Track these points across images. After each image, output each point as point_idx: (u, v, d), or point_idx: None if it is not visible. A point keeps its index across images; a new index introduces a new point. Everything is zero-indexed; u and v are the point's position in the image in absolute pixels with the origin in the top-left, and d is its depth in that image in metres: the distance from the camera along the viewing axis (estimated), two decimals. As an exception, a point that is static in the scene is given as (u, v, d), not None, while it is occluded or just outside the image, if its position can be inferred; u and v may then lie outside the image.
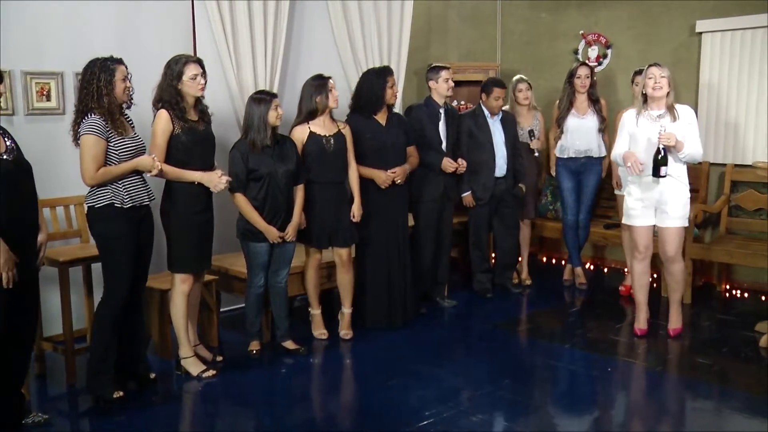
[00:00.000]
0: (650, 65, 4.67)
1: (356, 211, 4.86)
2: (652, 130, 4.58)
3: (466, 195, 5.76)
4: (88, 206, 3.87)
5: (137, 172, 3.92)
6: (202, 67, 4.18)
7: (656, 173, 4.53)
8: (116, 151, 3.81)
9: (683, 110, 4.69)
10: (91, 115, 3.76)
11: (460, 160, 5.48)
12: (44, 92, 4.55)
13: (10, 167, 3.39)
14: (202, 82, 4.17)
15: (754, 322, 5.09)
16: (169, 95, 4.09)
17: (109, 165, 3.80)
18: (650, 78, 4.61)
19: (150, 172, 3.90)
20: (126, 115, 4.01)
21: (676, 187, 4.66)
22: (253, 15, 5.28)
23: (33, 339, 3.75)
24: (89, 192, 3.85)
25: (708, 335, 5.08)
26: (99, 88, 3.77)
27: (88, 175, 3.76)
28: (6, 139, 3.47)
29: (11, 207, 3.37)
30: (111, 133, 3.79)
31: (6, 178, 3.34)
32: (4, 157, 3.38)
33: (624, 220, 4.99)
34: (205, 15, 5.12)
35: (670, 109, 4.64)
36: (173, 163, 4.08)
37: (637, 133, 4.68)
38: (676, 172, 4.63)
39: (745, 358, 4.62)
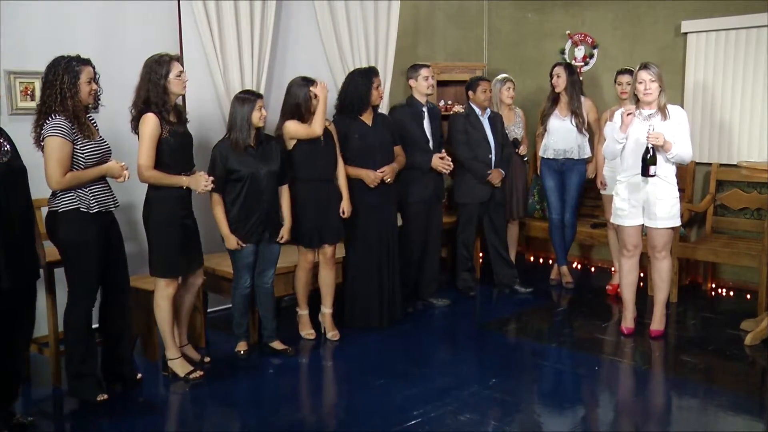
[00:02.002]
0: (639, 68, 4.64)
1: (346, 207, 4.86)
2: (641, 131, 4.58)
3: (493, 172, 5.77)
4: (51, 210, 3.77)
5: (104, 177, 3.84)
6: (182, 64, 4.14)
7: (645, 173, 4.53)
8: (82, 154, 3.72)
9: (675, 111, 4.68)
10: (55, 116, 3.65)
11: (444, 153, 5.50)
12: (28, 92, 4.51)
13: (2, 171, 3.35)
14: (186, 79, 4.12)
15: (740, 321, 5.12)
16: (156, 95, 3.99)
17: (75, 169, 3.70)
18: (640, 83, 4.60)
19: (118, 178, 3.81)
20: (90, 117, 3.91)
21: (663, 188, 4.67)
22: (239, 15, 5.26)
23: (28, 344, 3.74)
24: (52, 195, 3.76)
25: (694, 334, 5.10)
26: (62, 90, 3.64)
27: (54, 179, 3.64)
28: (3, 140, 3.43)
29: (2, 211, 3.33)
30: (77, 135, 3.69)
31: None
32: None
33: (612, 220, 5.00)
34: (191, 15, 5.09)
35: (662, 109, 4.64)
36: (158, 167, 4.01)
37: (629, 132, 4.68)
38: (664, 173, 4.63)
39: (730, 356, 4.64)
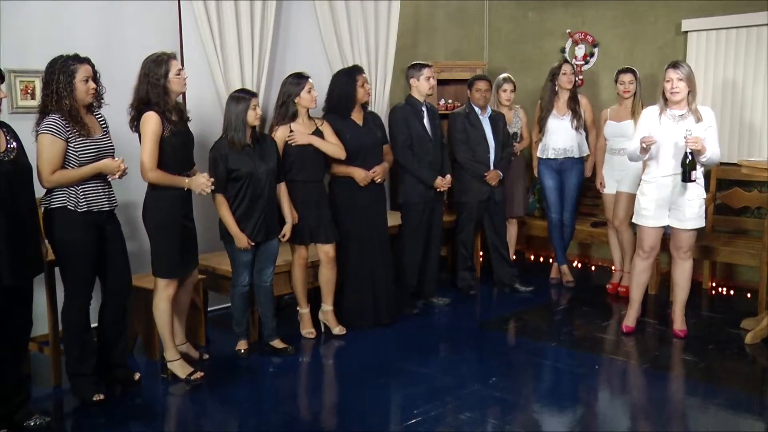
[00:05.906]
0: (668, 67, 4.59)
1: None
2: (677, 132, 4.52)
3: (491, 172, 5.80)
4: (44, 207, 3.76)
5: (101, 176, 3.79)
6: (180, 62, 4.13)
7: (687, 178, 4.45)
8: (76, 153, 3.69)
9: (705, 112, 4.63)
10: (51, 115, 3.64)
11: (448, 176, 5.54)
12: (28, 90, 4.51)
13: (8, 168, 3.34)
14: (186, 76, 4.09)
15: (740, 320, 5.12)
16: (156, 95, 3.95)
17: (71, 167, 3.69)
18: (667, 81, 4.55)
19: (114, 175, 3.77)
20: (97, 114, 3.90)
21: (692, 189, 4.60)
22: (239, 15, 5.26)
23: (27, 340, 3.74)
24: (45, 193, 3.75)
25: (694, 332, 5.08)
26: (58, 89, 3.63)
27: (44, 176, 3.63)
28: (9, 137, 3.42)
29: (8, 208, 3.32)
30: (71, 133, 3.66)
31: (2, 178, 3.30)
32: (2, 157, 3.33)
33: (634, 219, 4.91)
34: (191, 15, 5.09)
35: (695, 111, 4.57)
36: (160, 166, 3.98)
37: (660, 132, 4.60)
38: (695, 174, 4.56)
39: (731, 355, 4.64)
